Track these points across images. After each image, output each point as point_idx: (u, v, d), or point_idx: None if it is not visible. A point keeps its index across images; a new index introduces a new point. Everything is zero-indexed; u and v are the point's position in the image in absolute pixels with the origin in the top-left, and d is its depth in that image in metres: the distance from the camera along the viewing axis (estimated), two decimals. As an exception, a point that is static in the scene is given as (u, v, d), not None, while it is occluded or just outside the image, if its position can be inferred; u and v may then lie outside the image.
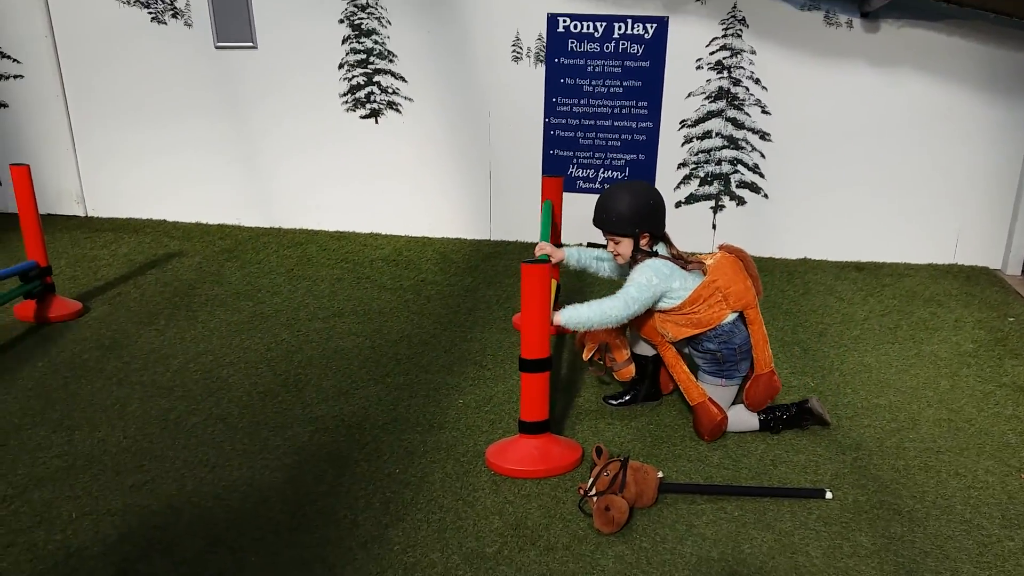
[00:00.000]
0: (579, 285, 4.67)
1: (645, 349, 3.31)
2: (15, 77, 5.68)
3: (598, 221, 3.12)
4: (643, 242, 3.07)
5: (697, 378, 3.15)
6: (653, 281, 2.98)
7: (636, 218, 3.03)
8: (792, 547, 2.54)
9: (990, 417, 3.33)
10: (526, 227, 5.42)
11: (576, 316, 2.94)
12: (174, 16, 5.35)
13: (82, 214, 6.02)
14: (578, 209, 5.32)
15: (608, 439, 3.15)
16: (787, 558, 2.49)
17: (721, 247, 3.19)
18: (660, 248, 3.11)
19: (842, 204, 5.08)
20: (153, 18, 5.38)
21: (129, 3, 5.36)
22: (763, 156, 5.06)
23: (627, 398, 3.39)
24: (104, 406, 3.36)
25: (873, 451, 3.07)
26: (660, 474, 2.75)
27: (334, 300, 4.50)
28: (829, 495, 2.78)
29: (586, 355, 3.26)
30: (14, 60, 5.63)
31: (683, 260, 3.09)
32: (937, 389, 3.55)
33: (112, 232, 5.66)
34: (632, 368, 3.24)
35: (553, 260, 3.33)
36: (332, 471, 2.92)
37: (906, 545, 2.55)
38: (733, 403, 3.20)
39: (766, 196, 5.15)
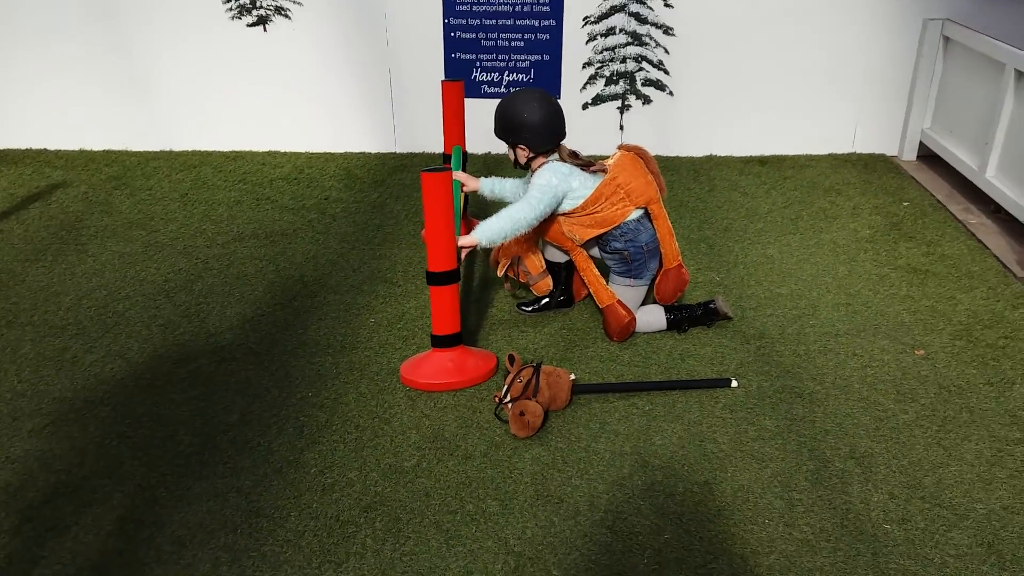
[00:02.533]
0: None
1: (557, 256, 3.30)
2: None
3: (495, 130, 3.13)
4: (521, 155, 3.08)
5: (608, 281, 3.17)
6: (552, 181, 2.96)
7: (511, 130, 3.04)
8: (700, 435, 2.63)
9: (885, 299, 3.48)
10: (432, 137, 5.26)
11: (489, 230, 2.90)
12: (26, -81, 4.82)
13: (-50, 146, 5.55)
14: (485, 117, 5.19)
15: (522, 347, 3.16)
16: (696, 446, 2.59)
17: (620, 147, 3.18)
18: (553, 158, 3.08)
19: (745, 99, 5.10)
20: (2, -78, 4.85)
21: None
22: (667, 52, 5.00)
23: (543, 302, 3.39)
24: (4, 346, 3.18)
25: (775, 339, 3.18)
26: (572, 376, 2.78)
27: (233, 224, 4.31)
28: (735, 383, 2.88)
29: (500, 271, 3.24)
30: None
31: (582, 163, 3.08)
32: (836, 275, 3.68)
33: (-13, 164, 5.25)
34: (548, 281, 3.24)
35: (466, 189, 3.33)
36: (242, 400, 2.85)
37: (807, 425, 2.68)
38: (643, 304, 3.24)
39: (671, 94, 5.11)
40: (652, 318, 3.22)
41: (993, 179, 4.11)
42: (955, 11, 4.75)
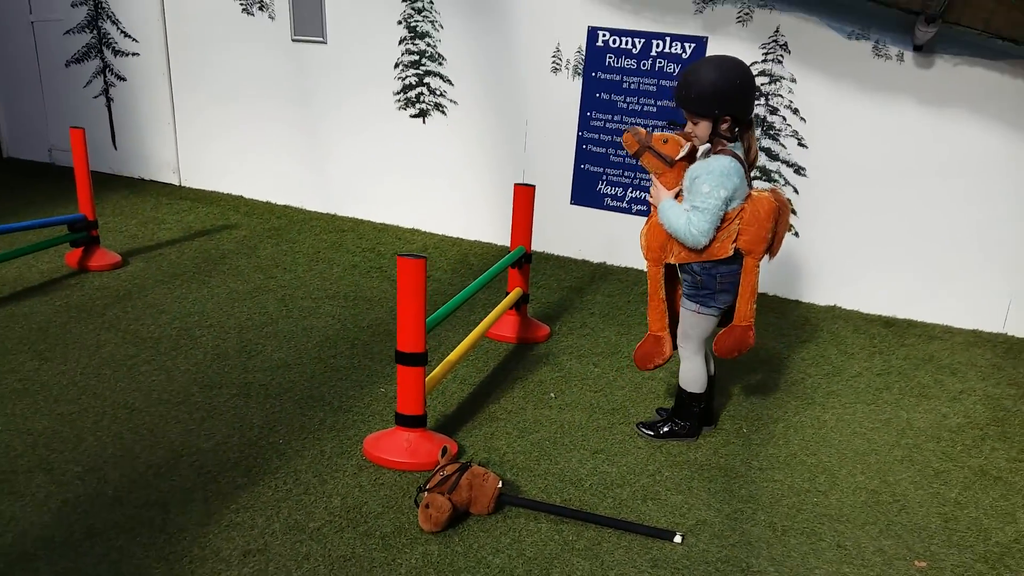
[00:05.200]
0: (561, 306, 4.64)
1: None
2: (132, 55, 6.43)
3: (678, 97, 2.88)
4: (723, 127, 2.86)
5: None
6: (735, 180, 2.81)
7: (719, 97, 2.79)
8: (603, 581, 2.45)
9: (925, 497, 2.99)
10: (549, 240, 5.44)
11: (671, 212, 2.87)
12: (260, 8, 5.84)
13: (176, 183, 6.71)
14: (606, 226, 5.28)
15: (496, 447, 3.14)
16: (590, 591, 2.41)
17: (771, 190, 2.96)
18: (737, 148, 2.89)
19: (882, 252, 4.69)
20: (243, 9, 5.91)
21: (224, -5, 5.93)
22: (796, 192, 4.77)
23: (665, 429, 3.28)
24: (84, 345, 3.78)
25: (763, 507, 2.87)
26: (500, 484, 2.73)
27: (337, 284, 4.75)
28: (678, 539, 2.64)
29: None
30: (133, 39, 6.38)
31: (750, 163, 2.92)
32: (885, 458, 3.23)
33: (191, 201, 6.26)
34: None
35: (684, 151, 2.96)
36: (226, 431, 3.13)
37: (727, 604, 2.39)
38: (701, 352, 3.16)
39: (797, 235, 4.84)
40: (694, 376, 3.15)
41: None
42: None
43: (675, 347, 3.20)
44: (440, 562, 2.49)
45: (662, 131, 3.07)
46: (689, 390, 3.20)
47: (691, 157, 2.96)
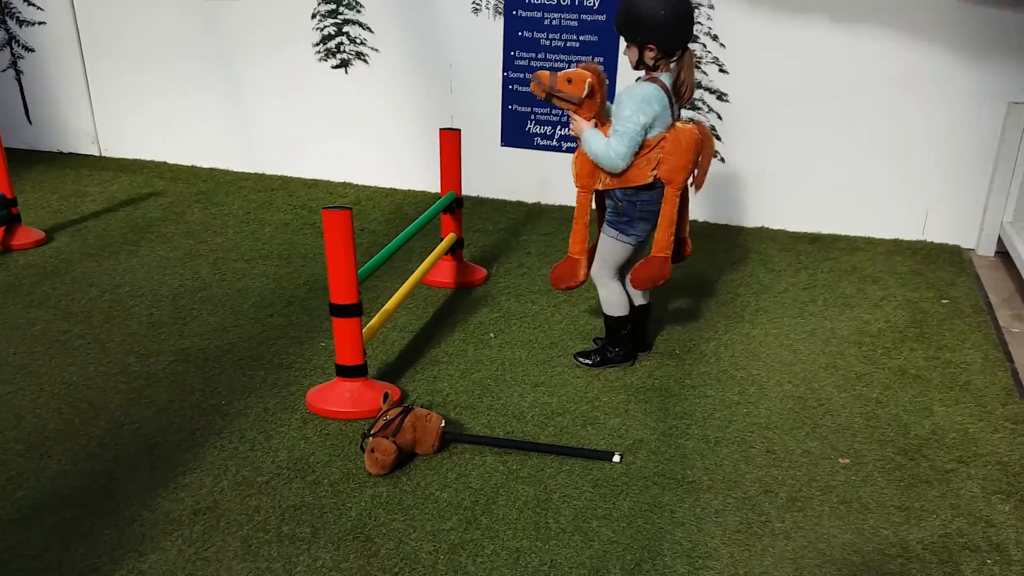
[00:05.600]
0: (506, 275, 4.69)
1: (639, 298, 3.34)
2: (39, 23, 6.14)
3: (615, 21, 2.95)
4: (648, 55, 2.91)
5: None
6: (655, 107, 2.88)
7: (643, 25, 2.85)
8: (547, 504, 2.55)
9: (848, 399, 3.16)
10: (482, 183, 5.45)
11: (593, 141, 2.95)
12: (165, -33, 5.63)
13: (96, 153, 6.50)
14: (538, 166, 5.31)
15: (440, 389, 3.21)
16: (534, 515, 2.51)
17: (694, 121, 3.03)
18: (665, 77, 2.95)
19: (804, 171, 4.82)
20: (148, -32, 5.68)
21: (126, -46, 5.68)
22: (720, 118, 4.86)
23: (597, 359, 3.37)
24: (15, 325, 3.71)
25: (696, 421, 3.00)
26: (443, 423, 2.80)
27: (269, 244, 4.71)
28: (617, 459, 2.76)
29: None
30: (38, 7, 6.09)
31: (678, 95, 2.99)
32: (809, 367, 3.39)
33: (114, 171, 6.09)
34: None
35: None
36: (167, 397, 3.13)
37: (664, 515, 2.51)
38: (620, 277, 3.25)
39: (723, 160, 4.94)
40: (614, 299, 3.24)
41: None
42: (1045, 95, 4.25)
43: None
44: (389, 502, 2.56)
45: (572, 67, 3.09)
46: (612, 314, 3.30)
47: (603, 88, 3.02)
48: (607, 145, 2.94)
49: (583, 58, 4.97)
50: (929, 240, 4.75)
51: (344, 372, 3.03)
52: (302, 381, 3.25)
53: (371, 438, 2.70)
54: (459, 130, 3.92)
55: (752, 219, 5.03)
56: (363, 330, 3.06)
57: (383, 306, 3.37)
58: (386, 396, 2.85)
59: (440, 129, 3.88)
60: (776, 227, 4.99)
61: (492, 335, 3.64)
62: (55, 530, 2.41)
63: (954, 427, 2.97)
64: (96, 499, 2.55)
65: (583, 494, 2.60)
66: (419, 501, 2.56)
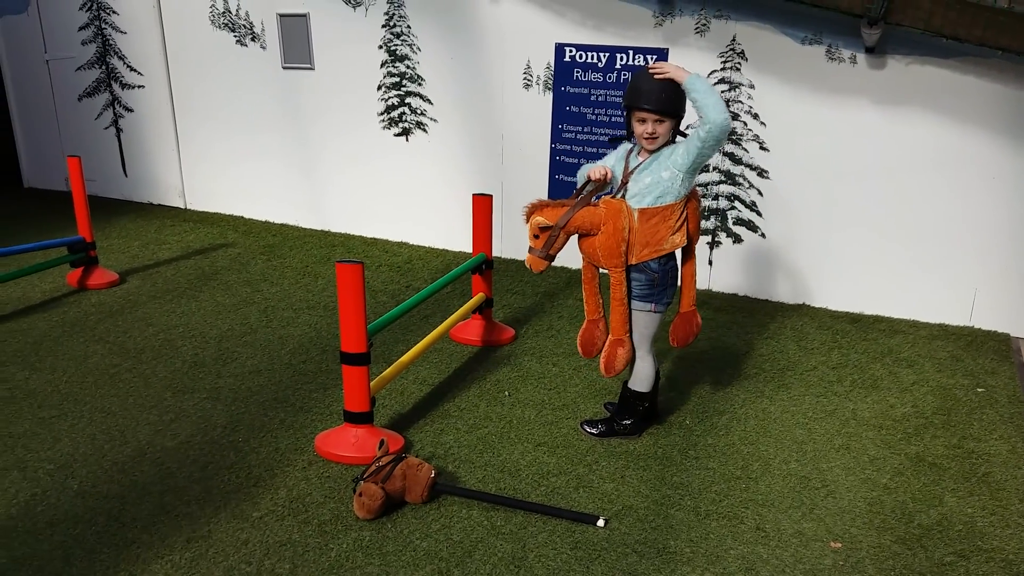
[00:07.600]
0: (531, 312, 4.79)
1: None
2: (138, 87, 6.78)
3: (644, 99, 2.98)
4: (666, 129, 3.03)
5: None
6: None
7: (679, 101, 3.00)
8: (522, 562, 2.58)
9: (855, 483, 3.07)
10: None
11: (702, 83, 2.93)
12: (252, 39, 6.14)
13: (182, 206, 7.02)
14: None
15: (443, 441, 3.30)
16: (508, 571, 2.54)
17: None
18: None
19: (847, 250, 4.76)
20: (237, 41, 6.21)
21: (219, 27, 6.23)
22: (760, 194, 4.88)
23: (603, 428, 3.39)
24: (73, 356, 4.04)
25: (691, 493, 2.98)
26: (433, 474, 2.88)
27: (319, 296, 4.96)
28: (601, 523, 2.77)
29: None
30: (138, 72, 6.73)
31: None
32: (822, 446, 3.32)
33: (194, 223, 6.56)
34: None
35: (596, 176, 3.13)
36: (190, 431, 3.34)
37: (636, 582, 2.51)
38: (654, 351, 3.31)
39: (763, 235, 4.94)
40: (648, 372, 3.30)
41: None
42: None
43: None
44: (370, 546, 2.65)
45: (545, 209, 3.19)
46: (641, 389, 3.31)
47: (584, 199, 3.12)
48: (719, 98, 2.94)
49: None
50: (976, 327, 4.58)
51: (351, 418, 3.17)
52: (316, 425, 3.41)
53: (362, 482, 2.81)
54: (491, 196, 4.09)
55: (793, 296, 4.98)
56: (375, 379, 3.21)
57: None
58: (382, 443, 2.97)
59: (473, 194, 4.07)
60: (817, 305, 4.92)
61: (507, 393, 3.72)
62: (61, 546, 2.61)
63: (962, 519, 2.85)
64: (104, 520, 2.74)
65: (560, 555, 2.62)
66: (398, 548, 2.64)
